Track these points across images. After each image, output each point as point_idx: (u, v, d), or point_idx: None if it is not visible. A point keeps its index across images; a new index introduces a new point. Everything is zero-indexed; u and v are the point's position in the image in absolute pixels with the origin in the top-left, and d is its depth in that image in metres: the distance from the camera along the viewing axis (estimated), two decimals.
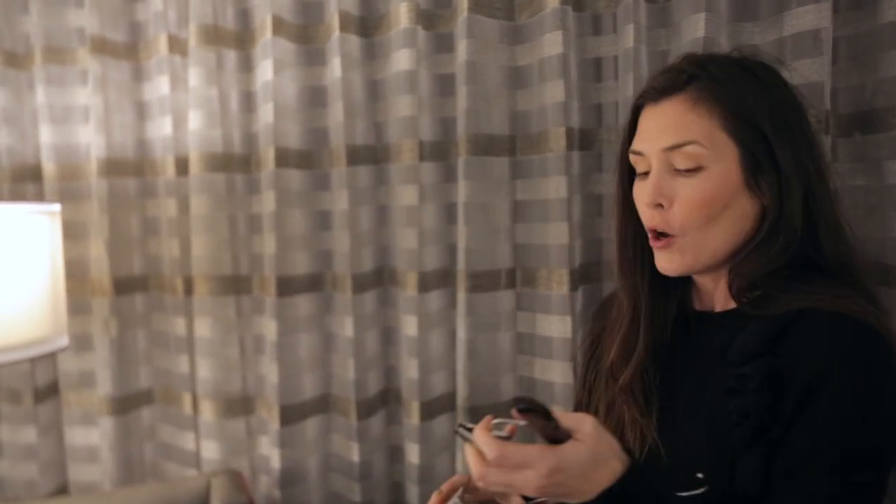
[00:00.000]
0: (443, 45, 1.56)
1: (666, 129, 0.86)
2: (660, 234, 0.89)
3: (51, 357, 1.86)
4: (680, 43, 1.31)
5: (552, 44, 1.39)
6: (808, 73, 1.19)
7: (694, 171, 0.85)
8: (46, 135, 1.82)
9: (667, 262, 0.89)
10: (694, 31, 1.26)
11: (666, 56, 1.36)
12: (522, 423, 0.78)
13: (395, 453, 1.70)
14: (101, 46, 1.79)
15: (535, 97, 1.46)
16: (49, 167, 1.83)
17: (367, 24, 1.62)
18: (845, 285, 0.84)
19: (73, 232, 1.84)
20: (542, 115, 1.44)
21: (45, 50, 1.81)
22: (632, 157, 0.92)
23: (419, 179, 1.54)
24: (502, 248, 1.51)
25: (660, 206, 0.87)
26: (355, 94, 1.61)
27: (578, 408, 1.08)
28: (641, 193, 0.90)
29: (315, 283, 1.72)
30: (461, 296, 1.49)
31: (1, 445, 1.92)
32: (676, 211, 0.86)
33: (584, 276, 1.44)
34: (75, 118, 1.86)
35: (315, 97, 1.69)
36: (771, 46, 1.27)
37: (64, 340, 1.51)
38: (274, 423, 1.69)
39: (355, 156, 1.61)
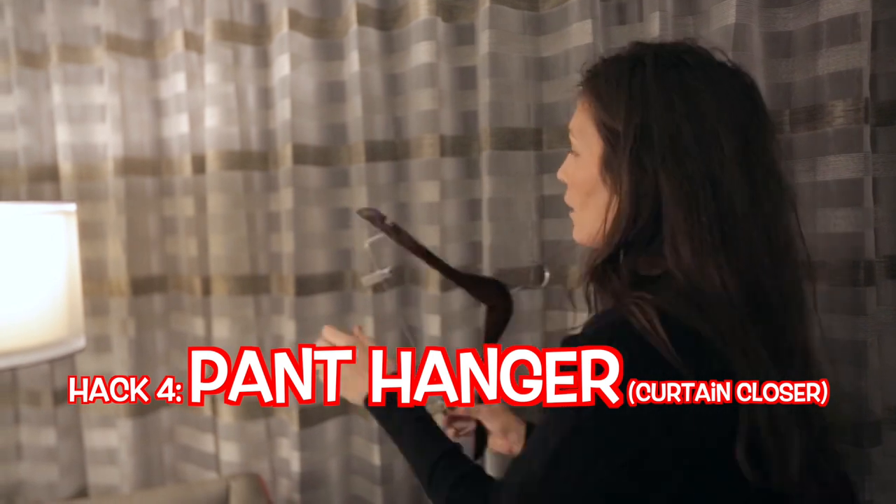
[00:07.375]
0: (464, 36, 1.52)
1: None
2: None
3: (69, 359, 1.85)
4: (709, 30, 1.26)
5: (581, 33, 1.35)
6: (845, 60, 1.15)
7: (575, 155, 0.91)
8: (63, 134, 1.81)
9: (573, 230, 0.95)
10: (723, 18, 1.22)
11: None
12: None
13: None
14: (116, 44, 1.78)
15: (561, 88, 1.42)
16: (66, 167, 1.81)
17: (386, 17, 1.59)
18: (662, 289, 0.78)
19: (90, 232, 1.82)
20: (569, 108, 1.40)
21: (61, 49, 1.79)
22: None
23: (440, 175, 1.51)
24: (529, 244, 1.47)
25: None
26: (374, 89, 1.58)
27: None
28: None
29: (334, 282, 1.69)
30: None
31: (22, 447, 1.91)
32: (568, 189, 0.94)
33: None
34: (92, 117, 1.84)
35: (333, 92, 1.66)
36: (806, 33, 1.22)
37: (81, 342, 1.49)
38: (294, 426, 1.66)
39: (374, 152, 1.58)
